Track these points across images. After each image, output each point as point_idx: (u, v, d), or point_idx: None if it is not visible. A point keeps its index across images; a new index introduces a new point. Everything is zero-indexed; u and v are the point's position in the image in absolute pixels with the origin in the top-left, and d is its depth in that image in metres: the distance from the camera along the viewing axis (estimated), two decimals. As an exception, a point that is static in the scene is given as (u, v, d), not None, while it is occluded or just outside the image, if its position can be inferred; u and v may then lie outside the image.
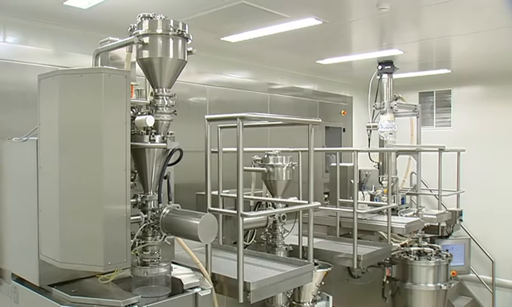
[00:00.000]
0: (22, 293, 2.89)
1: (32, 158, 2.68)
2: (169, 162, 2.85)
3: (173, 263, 2.95)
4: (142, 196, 2.80)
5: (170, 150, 2.80)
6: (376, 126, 6.09)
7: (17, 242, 2.98)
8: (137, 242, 2.74)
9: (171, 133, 2.85)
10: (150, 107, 2.82)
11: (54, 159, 2.50)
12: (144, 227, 2.75)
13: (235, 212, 2.98)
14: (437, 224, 5.99)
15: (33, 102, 2.70)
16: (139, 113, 2.76)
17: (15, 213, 2.99)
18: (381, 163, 5.88)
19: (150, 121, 2.65)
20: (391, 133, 5.79)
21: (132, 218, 2.61)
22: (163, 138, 2.78)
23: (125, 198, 2.52)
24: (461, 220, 6.35)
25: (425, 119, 7.61)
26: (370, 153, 6.20)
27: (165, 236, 2.80)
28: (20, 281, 2.94)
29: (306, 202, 3.43)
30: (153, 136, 2.73)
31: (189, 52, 2.85)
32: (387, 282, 5.48)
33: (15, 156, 2.98)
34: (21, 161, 2.91)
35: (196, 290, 2.76)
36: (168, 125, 2.83)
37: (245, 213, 2.96)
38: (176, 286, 2.79)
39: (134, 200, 2.76)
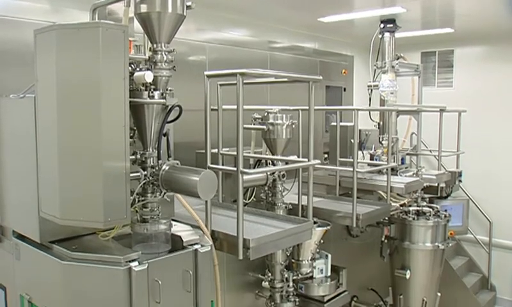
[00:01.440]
0: (23, 249, 2.91)
1: (30, 115, 2.65)
2: (169, 119, 2.82)
3: (172, 220, 2.96)
4: (141, 153, 2.79)
5: (169, 106, 2.77)
6: (376, 86, 6.03)
7: (17, 199, 2.99)
8: (136, 199, 2.75)
9: (170, 90, 2.81)
10: (148, 63, 2.77)
11: (52, 116, 2.48)
12: (144, 184, 2.74)
13: (235, 169, 2.97)
14: (436, 184, 6.02)
15: (30, 60, 2.65)
16: (138, 69, 2.72)
17: (14, 171, 2.99)
18: (381, 123, 5.86)
19: (148, 76, 2.61)
20: (392, 93, 5.74)
21: (131, 175, 2.60)
22: (162, 94, 2.74)
23: (124, 155, 2.51)
24: (460, 181, 6.37)
25: (427, 79, 7.54)
26: (371, 113, 6.17)
27: (165, 193, 2.80)
28: (21, 237, 2.96)
29: (306, 160, 3.42)
30: (152, 92, 2.70)
31: (188, 7, 2.79)
32: (385, 241, 5.53)
33: (13, 113, 2.95)
34: (19, 118, 2.89)
35: (196, 246, 2.78)
36: (167, 81, 2.80)
37: (245, 170, 2.95)
38: (176, 243, 2.80)
39: (133, 157, 2.75)
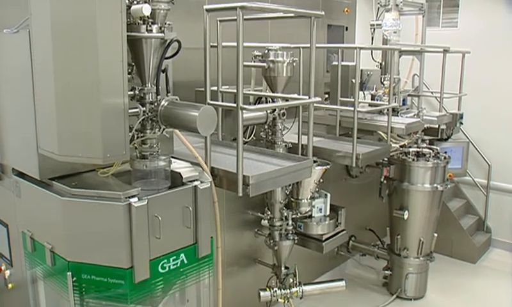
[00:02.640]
0: (24, 187, 2.91)
1: (25, 51, 2.59)
2: (167, 55, 2.77)
3: (172, 157, 2.95)
4: (140, 88, 2.75)
5: (168, 41, 2.70)
6: (379, 25, 5.88)
7: (16, 136, 2.96)
8: (135, 135, 2.73)
9: (168, 24, 2.74)
10: (146, -4, 2.69)
11: (48, 50, 2.42)
12: (143, 120, 2.72)
13: (235, 105, 2.94)
14: (437, 126, 5.98)
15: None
16: (135, 2, 2.63)
17: (12, 108, 2.95)
18: (383, 63, 5.75)
19: (146, 9, 2.53)
20: (395, 32, 5.60)
21: (130, 111, 2.57)
22: (160, 28, 2.67)
23: (122, 90, 2.47)
24: (461, 123, 6.34)
25: (432, 19, 7.35)
26: (373, 52, 6.06)
27: (164, 129, 2.78)
28: (21, 175, 2.95)
29: (307, 97, 3.38)
30: (150, 26, 2.63)
31: None
32: (384, 182, 5.55)
33: (8, 49, 2.88)
34: (14, 54, 2.82)
35: (196, 183, 2.77)
36: (166, 15, 2.72)
37: (245, 106, 2.92)
38: (175, 180, 2.80)
39: (132, 93, 2.71)
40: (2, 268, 3.37)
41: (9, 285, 3.32)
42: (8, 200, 3.13)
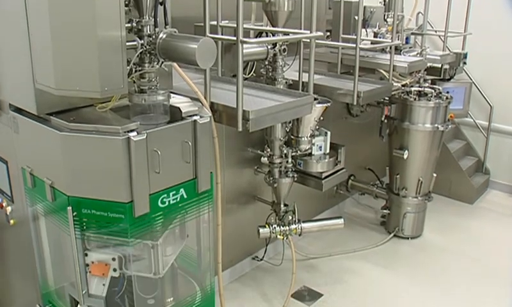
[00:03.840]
0: (22, 122, 2.88)
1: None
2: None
3: (171, 93, 2.91)
4: (137, 21, 2.66)
5: (165, -29, 2.61)
6: (384, -40, 5.71)
7: (12, 71, 2.90)
8: (133, 69, 2.67)
9: (166, -47, 2.64)
10: None
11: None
12: (141, 53, 2.65)
13: (235, 38, 2.87)
14: (440, 65, 5.91)
15: None
16: None
17: (7, 42, 2.87)
18: (387, 0, 5.61)
19: None
20: (400, -33, 5.44)
21: (127, 44, 2.50)
22: (158, -43, 2.58)
23: (119, 23, 2.39)
24: (464, 63, 6.25)
25: (437, -46, 7.12)
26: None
27: (162, 63, 2.72)
28: (19, 111, 2.92)
29: (308, 31, 3.31)
30: (146, -45, 2.53)
31: None
32: (385, 121, 5.53)
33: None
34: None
35: (195, 117, 2.74)
36: None
37: (245, 39, 2.85)
38: (174, 115, 2.76)
39: (129, 25, 2.64)
40: (4, 204, 3.39)
41: (11, 221, 3.34)
42: (6, 136, 3.11)
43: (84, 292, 2.65)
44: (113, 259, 2.65)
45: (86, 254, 2.65)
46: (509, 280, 5.04)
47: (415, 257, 5.47)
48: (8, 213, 3.34)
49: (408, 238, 5.82)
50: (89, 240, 2.64)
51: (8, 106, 3.00)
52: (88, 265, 2.66)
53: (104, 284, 2.68)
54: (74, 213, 2.54)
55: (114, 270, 2.67)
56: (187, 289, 3.11)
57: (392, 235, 5.83)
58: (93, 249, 2.66)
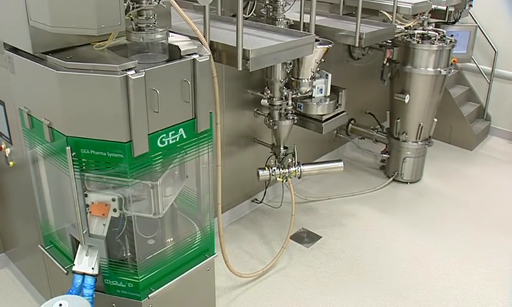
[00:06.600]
0: (17, 62, 2.82)
1: None
2: None
3: (170, 32, 2.85)
4: (133, -46, 2.58)
5: None
6: None
7: (5, 9, 2.81)
8: (131, 6, 2.60)
9: None
10: None
11: None
12: (138, -12, 2.58)
13: (234, -26, 2.79)
14: (445, 7, 5.78)
15: None
16: None
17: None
18: None
19: None
20: None
21: (124, -21, 2.43)
22: None
23: (114, -44, 2.31)
24: (471, 5, 6.12)
25: None
26: None
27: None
28: (14, 50, 2.85)
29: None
30: None
31: None
32: (387, 64, 5.45)
33: None
34: None
35: (194, 56, 2.68)
36: None
37: (245, -25, 2.77)
38: (173, 54, 2.70)
39: (125, -41, 2.55)
40: (2, 146, 3.38)
41: (11, 163, 3.34)
42: (2, 77, 3.06)
43: (84, 232, 2.66)
44: (113, 199, 2.65)
45: (86, 195, 2.65)
46: (504, 225, 5.09)
47: (414, 202, 5.51)
48: (7, 155, 3.34)
49: (407, 183, 5.85)
50: (88, 181, 2.64)
51: (3, 45, 2.94)
52: (88, 205, 2.66)
53: (104, 225, 2.69)
54: (73, 154, 2.52)
55: (114, 210, 2.67)
56: (187, 230, 3.13)
57: (391, 179, 5.86)
58: (92, 190, 2.66)
